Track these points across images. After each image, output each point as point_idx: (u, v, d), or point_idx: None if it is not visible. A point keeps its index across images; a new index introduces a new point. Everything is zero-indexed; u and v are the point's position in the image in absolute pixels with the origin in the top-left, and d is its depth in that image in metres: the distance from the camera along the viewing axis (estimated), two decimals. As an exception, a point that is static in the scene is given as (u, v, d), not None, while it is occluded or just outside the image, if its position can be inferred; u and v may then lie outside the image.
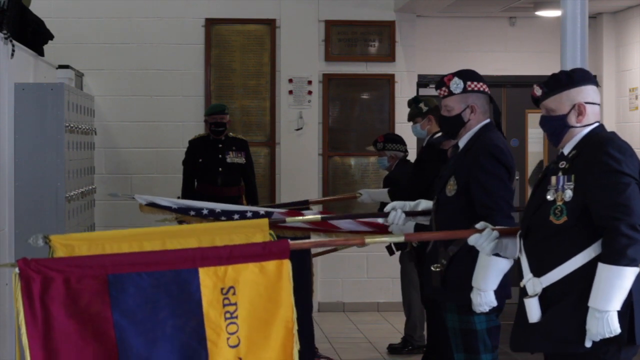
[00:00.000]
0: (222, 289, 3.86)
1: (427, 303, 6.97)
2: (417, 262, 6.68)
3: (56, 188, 6.81)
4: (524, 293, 4.07)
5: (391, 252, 8.02)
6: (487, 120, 5.03)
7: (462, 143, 5.03)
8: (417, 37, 10.67)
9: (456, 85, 4.96)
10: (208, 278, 3.85)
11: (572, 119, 4.06)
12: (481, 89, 5.01)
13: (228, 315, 3.86)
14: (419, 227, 4.20)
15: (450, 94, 4.97)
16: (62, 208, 6.82)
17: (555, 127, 4.09)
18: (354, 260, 10.50)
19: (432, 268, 4.95)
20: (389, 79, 10.55)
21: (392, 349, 8.45)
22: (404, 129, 9.30)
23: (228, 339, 3.84)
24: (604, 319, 3.82)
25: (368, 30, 10.57)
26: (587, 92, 4.09)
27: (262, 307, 3.88)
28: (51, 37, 7.62)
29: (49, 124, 6.80)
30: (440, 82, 5.02)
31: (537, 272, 4.02)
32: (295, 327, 3.86)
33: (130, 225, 10.18)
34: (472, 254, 4.86)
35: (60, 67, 8.62)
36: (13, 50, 6.40)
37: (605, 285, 3.82)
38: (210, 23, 10.31)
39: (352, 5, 10.52)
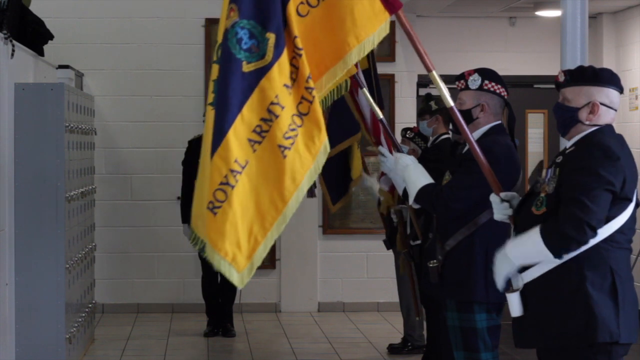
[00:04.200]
0: None
1: (427, 302, 6.97)
2: (415, 261, 6.68)
3: (56, 188, 6.80)
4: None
5: (388, 247, 8.00)
6: (498, 122, 5.04)
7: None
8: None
9: (474, 81, 5.01)
10: None
11: (582, 115, 4.05)
12: (497, 90, 5.03)
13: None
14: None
15: (467, 88, 5.03)
16: (62, 208, 6.81)
17: (565, 118, 4.09)
18: (354, 260, 10.50)
19: (429, 264, 4.99)
20: (389, 79, 10.53)
21: (392, 349, 8.45)
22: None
23: (295, 37, 3.96)
24: (503, 260, 3.97)
25: (368, 30, 10.55)
26: (607, 94, 4.07)
27: (339, 30, 4.01)
28: (51, 37, 7.62)
29: (49, 124, 6.79)
30: (461, 75, 5.08)
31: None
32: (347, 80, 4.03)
33: (130, 226, 10.20)
34: (468, 249, 4.88)
35: (60, 67, 8.62)
36: (13, 50, 6.40)
37: (527, 243, 3.91)
38: (210, 23, 10.30)
39: (352, 5, 10.51)
